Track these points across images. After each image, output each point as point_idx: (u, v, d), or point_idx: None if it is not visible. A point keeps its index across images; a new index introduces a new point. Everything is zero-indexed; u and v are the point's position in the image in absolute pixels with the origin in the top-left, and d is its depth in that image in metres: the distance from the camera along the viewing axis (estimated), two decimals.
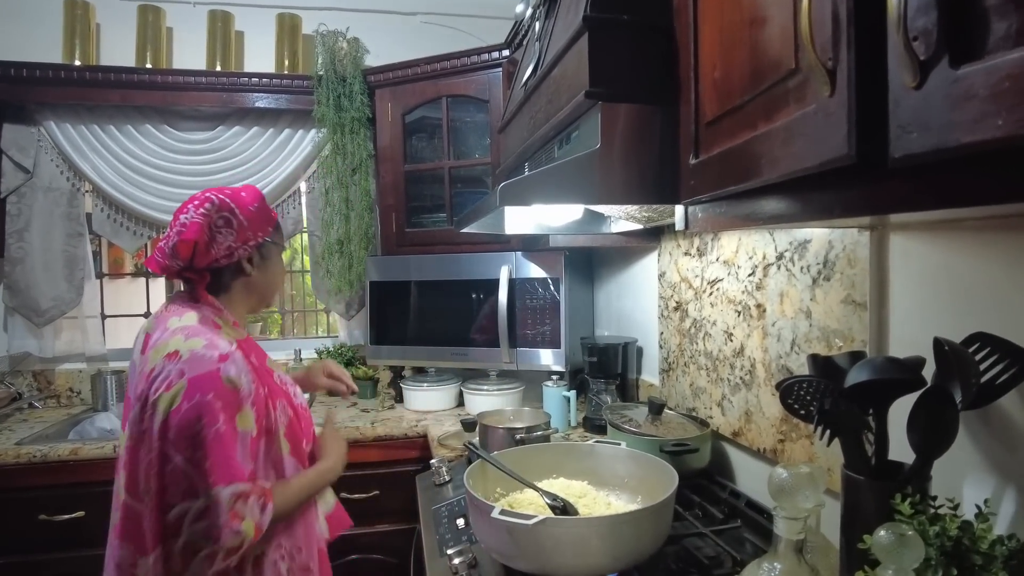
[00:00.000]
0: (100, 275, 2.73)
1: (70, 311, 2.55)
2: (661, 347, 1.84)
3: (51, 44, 2.44)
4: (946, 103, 0.42)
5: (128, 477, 1.12)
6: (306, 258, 3.70)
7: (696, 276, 1.61)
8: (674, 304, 1.75)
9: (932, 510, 0.76)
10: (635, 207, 1.35)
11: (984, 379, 0.78)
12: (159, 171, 2.53)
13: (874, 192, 0.53)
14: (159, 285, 3.10)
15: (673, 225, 1.71)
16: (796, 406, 0.88)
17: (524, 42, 1.58)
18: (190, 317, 1.15)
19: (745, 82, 0.70)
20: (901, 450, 0.83)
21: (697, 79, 0.86)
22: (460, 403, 2.38)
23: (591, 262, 2.44)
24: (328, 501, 1.35)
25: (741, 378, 1.40)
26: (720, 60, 0.77)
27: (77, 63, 2.41)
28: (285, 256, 1.40)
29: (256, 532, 1.07)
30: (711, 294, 1.54)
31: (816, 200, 0.64)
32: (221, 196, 1.19)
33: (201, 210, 1.16)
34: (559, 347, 2.15)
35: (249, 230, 1.20)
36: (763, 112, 0.66)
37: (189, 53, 2.58)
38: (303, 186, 2.73)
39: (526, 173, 1.46)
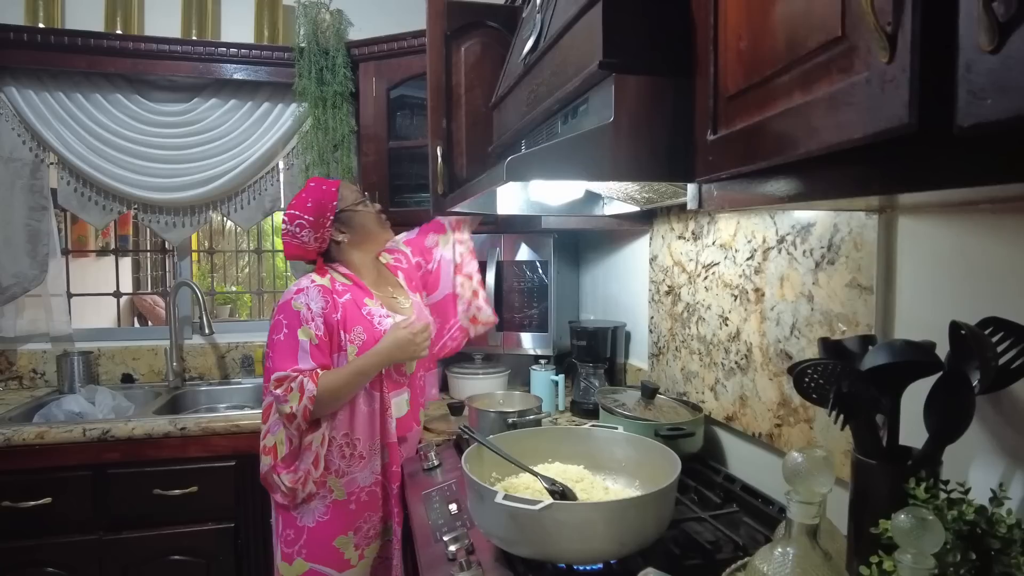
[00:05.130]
0: (64, 252, 2.61)
1: (33, 288, 2.43)
2: (651, 331, 1.83)
3: (12, 4, 2.31)
4: None
5: None
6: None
7: (690, 260, 1.59)
8: (666, 288, 1.73)
9: (945, 495, 0.75)
10: (636, 187, 1.33)
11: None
12: (130, 143, 2.42)
13: (931, 164, 0.50)
14: (125, 265, 2.99)
15: (667, 208, 1.69)
16: (808, 389, 0.87)
17: (522, 15, 1.53)
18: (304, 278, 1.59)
19: (778, 52, 0.67)
20: (906, 434, 0.83)
21: (716, 50, 0.83)
22: (444, 387, 2.35)
23: (577, 245, 2.42)
24: (402, 408, 1.67)
25: (736, 362, 1.39)
26: (747, 30, 0.74)
27: (40, 25, 2.28)
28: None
29: (301, 400, 1.44)
30: (706, 278, 1.52)
31: (851, 175, 0.61)
32: (288, 212, 1.60)
33: (283, 228, 1.61)
34: (546, 331, 2.13)
35: (317, 220, 1.58)
36: (800, 83, 0.63)
37: (162, 20, 2.47)
38: (281, 163, 2.64)
39: (523, 150, 1.42)
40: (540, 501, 0.91)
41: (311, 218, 1.57)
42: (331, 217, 1.59)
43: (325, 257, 1.64)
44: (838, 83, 0.57)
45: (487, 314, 1.95)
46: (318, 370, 1.49)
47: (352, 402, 1.55)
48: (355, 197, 1.64)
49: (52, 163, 2.46)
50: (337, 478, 1.54)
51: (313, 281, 1.55)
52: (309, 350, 1.49)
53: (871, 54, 0.52)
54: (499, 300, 2.14)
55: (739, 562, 0.94)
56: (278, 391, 1.46)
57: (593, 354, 1.93)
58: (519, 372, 2.22)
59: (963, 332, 0.77)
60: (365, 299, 1.61)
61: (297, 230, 1.58)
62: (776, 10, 0.68)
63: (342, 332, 1.54)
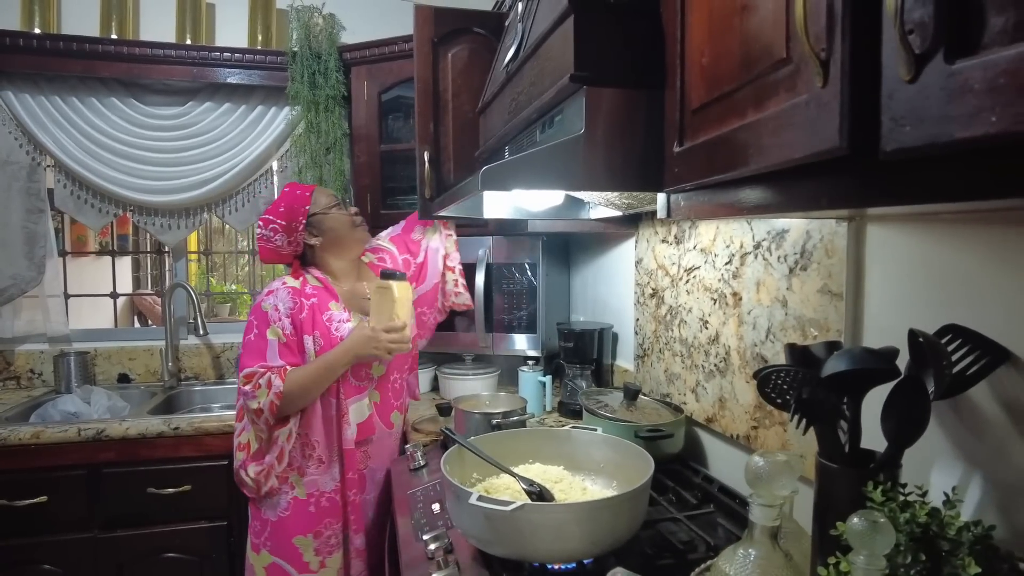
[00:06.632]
0: (63, 253, 2.64)
1: (30, 290, 2.46)
2: (636, 333, 1.85)
3: (8, 9, 2.33)
4: (940, 97, 0.42)
5: None
6: None
7: (673, 263, 1.62)
8: (650, 291, 1.75)
9: (902, 497, 0.78)
10: (615, 193, 1.35)
11: (955, 370, 0.79)
12: (125, 146, 2.44)
13: (863, 184, 0.53)
14: (126, 264, 3.02)
15: (651, 212, 1.71)
16: (773, 395, 0.89)
17: (506, 23, 1.56)
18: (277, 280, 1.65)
19: (735, 69, 0.69)
20: (869, 439, 0.85)
21: (683, 65, 0.85)
22: (435, 387, 2.37)
23: (567, 247, 2.44)
24: (363, 412, 1.68)
25: (716, 365, 1.42)
26: (709, 46, 0.76)
27: (36, 31, 2.31)
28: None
29: (268, 396, 1.49)
30: (687, 281, 1.54)
31: (803, 191, 0.63)
32: (263, 218, 1.64)
33: (257, 232, 1.66)
34: (535, 332, 2.15)
35: (289, 224, 1.62)
36: (752, 100, 0.66)
37: (157, 25, 2.49)
38: (275, 165, 2.66)
39: (506, 156, 1.45)
40: (513, 502, 0.94)
41: (283, 222, 1.61)
42: (303, 221, 1.62)
43: (302, 261, 1.68)
44: (784, 103, 0.59)
45: (465, 299, 2.00)
46: (287, 367, 1.54)
47: (311, 404, 1.59)
48: (328, 201, 1.67)
49: (48, 166, 2.49)
50: (299, 476, 1.60)
51: (284, 283, 1.61)
52: (278, 348, 1.55)
53: (811, 78, 0.54)
54: (488, 302, 2.16)
55: (707, 563, 0.96)
56: (247, 387, 1.51)
57: (580, 355, 1.95)
58: (509, 373, 2.25)
59: (921, 340, 0.80)
60: (330, 303, 1.64)
61: (271, 234, 1.62)
62: (733, 28, 0.70)
63: (305, 335, 1.58)
